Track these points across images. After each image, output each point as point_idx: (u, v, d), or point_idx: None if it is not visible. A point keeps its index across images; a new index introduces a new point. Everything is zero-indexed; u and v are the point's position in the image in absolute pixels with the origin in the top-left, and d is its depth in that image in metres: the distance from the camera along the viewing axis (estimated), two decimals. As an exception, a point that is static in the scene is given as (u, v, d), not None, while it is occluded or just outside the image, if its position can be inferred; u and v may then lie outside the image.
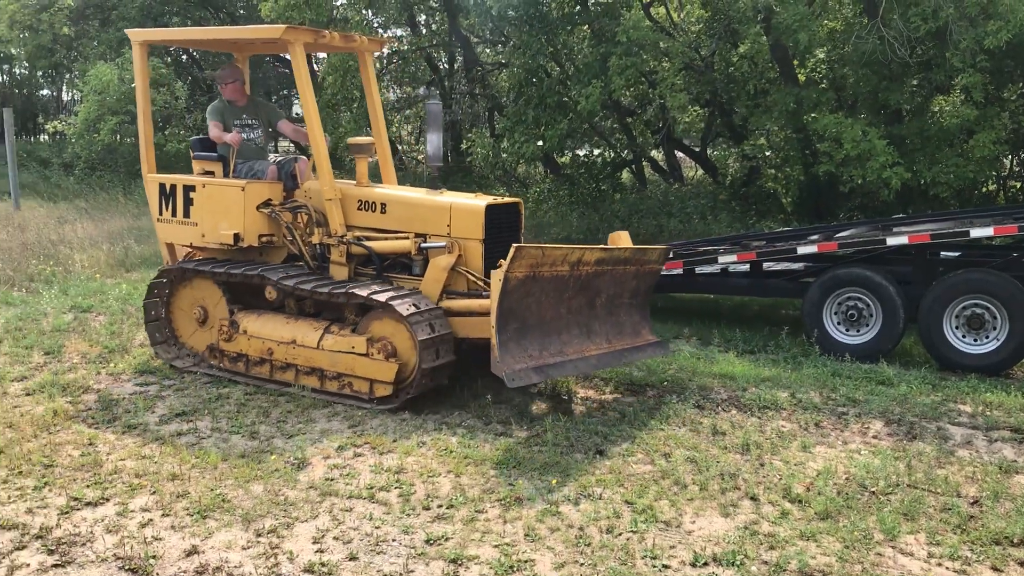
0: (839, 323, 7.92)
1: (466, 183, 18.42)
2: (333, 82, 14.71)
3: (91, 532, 4.29)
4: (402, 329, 6.14)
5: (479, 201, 6.56)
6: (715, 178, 16.97)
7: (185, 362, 7.15)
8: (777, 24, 11.51)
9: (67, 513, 4.49)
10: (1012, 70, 11.71)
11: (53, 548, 4.13)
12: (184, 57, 23.11)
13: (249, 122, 7.59)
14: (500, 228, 6.61)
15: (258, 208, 7.01)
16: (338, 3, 17.24)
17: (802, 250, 8.29)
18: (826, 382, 6.96)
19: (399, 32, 21.12)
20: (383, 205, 6.84)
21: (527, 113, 13.49)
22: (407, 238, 6.68)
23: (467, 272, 6.46)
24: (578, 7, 13.96)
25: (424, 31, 20.16)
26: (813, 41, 11.39)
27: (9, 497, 4.64)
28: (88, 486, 4.80)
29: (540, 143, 13.20)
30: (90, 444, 5.42)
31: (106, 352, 7.48)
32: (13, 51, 21.60)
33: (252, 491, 4.78)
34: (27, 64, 26.44)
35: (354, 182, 7.17)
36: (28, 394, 6.33)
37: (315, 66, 22.85)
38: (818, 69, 14.22)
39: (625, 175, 18.44)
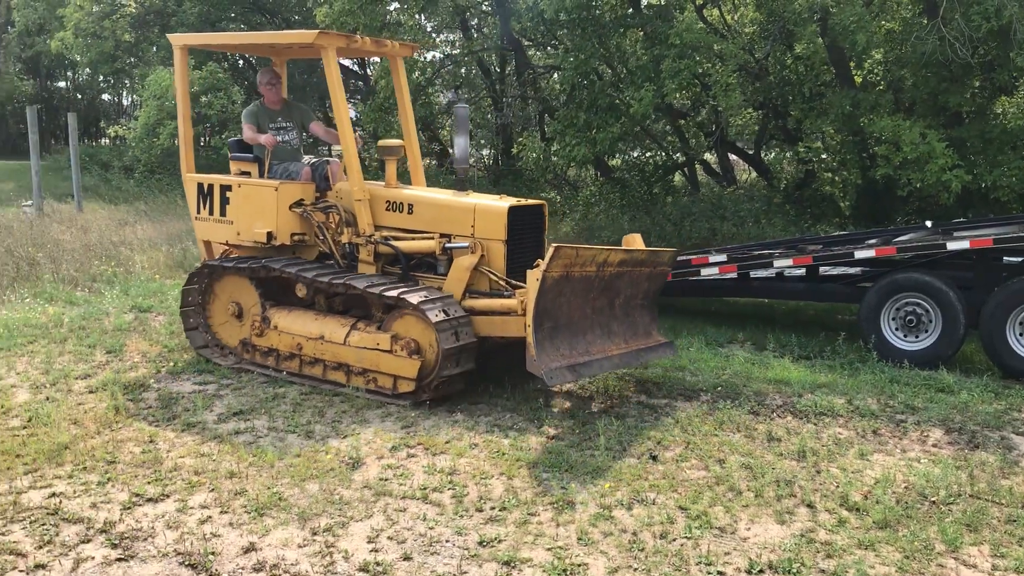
0: (897, 329, 7.78)
1: (516, 187, 18.45)
2: (385, 86, 14.83)
3: (152, 527, 4.39)
4: (426, 329, 6.27)
5: (502, 203, 6.68)
6: (769, 181, 16.76)
7: (215, 353, 7.41)
8: (834, 25, 11.34)
9: (129, 508, 4.59)
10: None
11: (116, 542, 4.23)
12: (241, 63, 23.50)
13: (284, 124, 7.79)
14: (524, 230, 6.74)
15: (291, 208, 7.21)
16: (391, 8, 17.39)
17: (860, 254, 8.16)
18: (884, 389, 6.84)
19: (451, 36, 21.23)
20: (410, 206, 6.99)
21: (578, 116, 13.46)
22: (432, 238, 6.82)
23: (489, 272, 6.58)
24: (631, 10, 13.91)
25: (476, 35, 20.24)
26: (871, 42, 11.21)
27: (75, 492, 4.76)
28: (149, 482, 4.90)
29: (591, 146, 13.17)
30: (151, 441, 5.54)
31: (166, 351, 7.64)
32: (77, 57, 22.12)
33: (308, 490, 4.84)
34: (89, 70, 27.10)
35: (383, 183, 7.32)
36: (91, 392, 6.49)
37: (368, 71, 23.09)
38: (875, 71, 13.99)
39: (677, 178, 18.31)
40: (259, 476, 5.01)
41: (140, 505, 4.64)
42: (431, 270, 6.93)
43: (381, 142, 7.35)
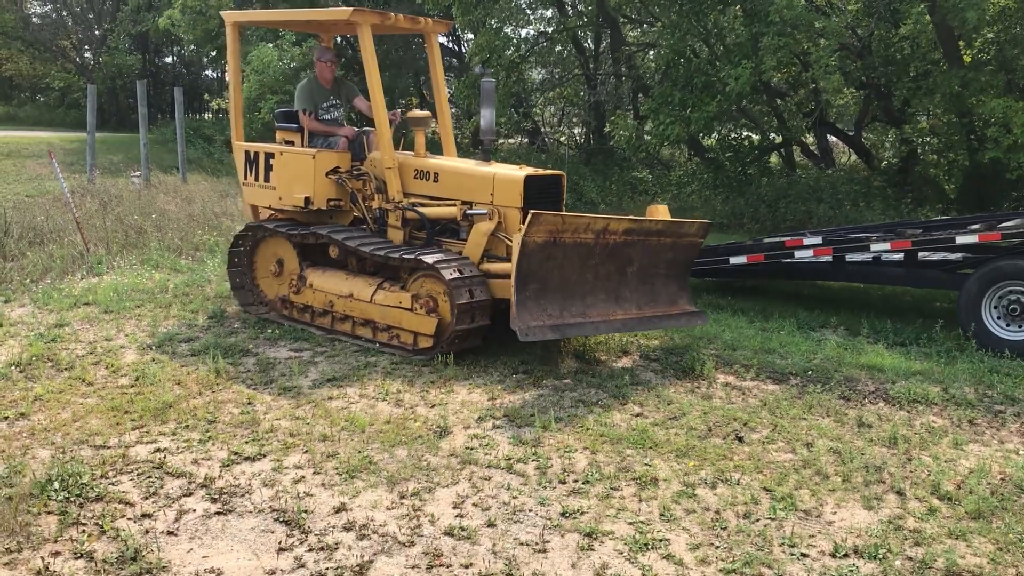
0: (999, 317, 7.52)
1: (607, 166, 18.37)
2: (479, 62, 14.92)
3: (249, 484, 4.58)
4: (442, 287, 6.66)
5: (520, 172, 6.97)
6: (869, 164, 16.30)
7: (259, 310, 7.99)
8: (943, 2, 10.93)
9: (228, 466, 4.80)
10: None
11: (216, 497, 4.43)
12: (339, 39, 23.89)
13: (334, 102, 8.25)
14: (541, 198, 6.97)
15: (327, 175, 7.60)
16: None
17: (962, 240, 7.89)
18: (982, 378, 6.63)
19: (545, 13, 21.18)
20: (436, 174, 7.36)
21: (673, 95, 13.33)
22: (455, 205, 7.16)
23: (506, 238, 6.84)
24: (730, -14, 13.66)
25: (570, 12, 20.14)
26: (982, 20, 10.79)
27: (178, 448, 5.00)
28: (247, 442, 5.11)
29: (685, 125, 13.02)
30: (249, 403, 5.77)
31: (263, 320, 7.91)
32: (183, 35, 22.84)
33: (397, 455, 4.98)
34: (195, 47, 27.93)
35: (413, 153, 7.67)
36: (194, 355, 6.78)
37: (463, 47, 23.20)
38: (987, 50, 13.42)
39: (774, 159, 17.96)
40: (351, 440, 5.18)
41: (238, 463, 4.85)
42: (454, 235, 7.27)
43: (410, 113, 7.64)
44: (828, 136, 17.25)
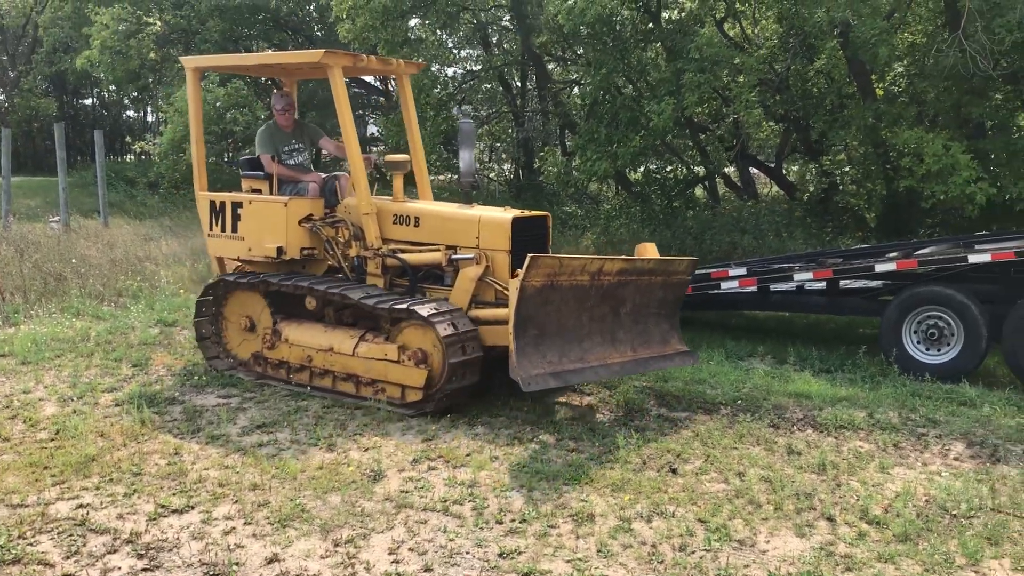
0: (919, 342, 7.75)
1: (538, 201, 18.51)
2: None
3: (177, 538, 4.45)
4: (434, 340, 6.36)
5: (506, 214, 6.80)
6: (791, 194, 16.74)
7: (225, 363, 7.60)
8: (855, 38, 11.35)
9: (155, 519, 4.66)
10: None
11: (142, 553, 4.29)
12: (264, 80, 23.74)
13: (297, 146, 7.98)
14: (527, 240, 6.81)
15: (300, 223, 7.33)
16: (412, 24, 17.56)
17: (880, 268, 8.15)
18: (905, 402, 6.82)
19: (472, 52, 21.39)
20: (417, 219, 7.12)
21: (599, 131, 13.53)
22: (439, 250, 6.93)
23: (495, 282, 6.68)
24: (651, 24, 13.97)
25: (496, 51, 20.38)
26: (892, 55, 11.21)
27: (101, 503, 4.84)
28: (174, 494, 4.97)
29: (612, 160, 13.21)
30: (176, 454, 5.61)
31: (190, 365, 7.73)
32: (102, 75, 22.44)
33: (330, 501, 4.89)
34: (115, 88, 27.47)
35: (390, 198, 7.45)
36: (118, 405, 6.58)
37: (390, 86, 23.26)
38: (898, 83, 13.96)
39: (698, 192, 18.31)
40: (282, 488, 5.07)
41: (165, 516, 4.71)
42: (438, 281, 7.06)
43: (388, 157, 7.50)
44: (750, 168, 17.68)
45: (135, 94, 26.95)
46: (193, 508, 4.80)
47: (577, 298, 6.21)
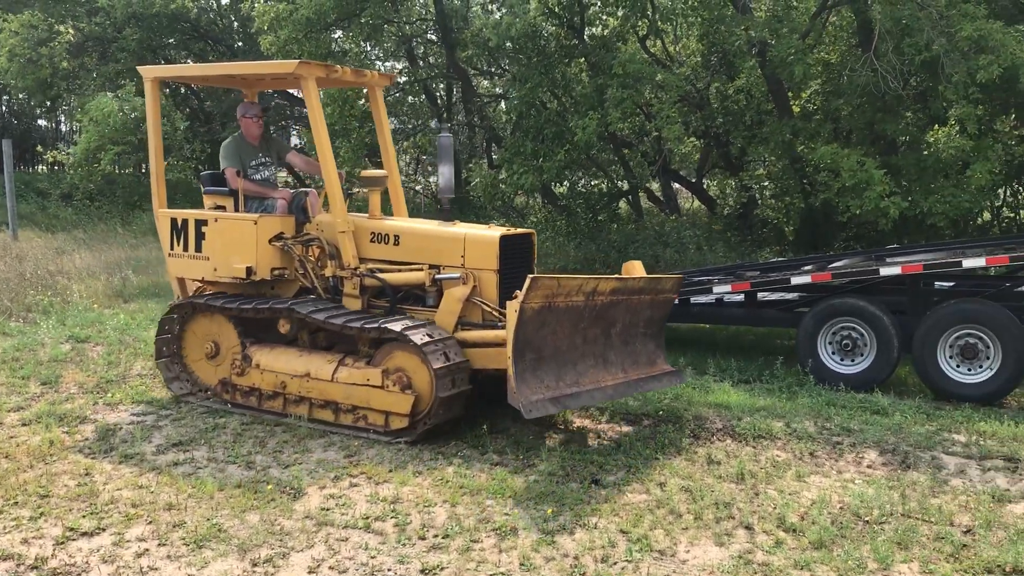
0: (834, 353, 7.95)
1: (464, 213, 18.50)
2: (331, 112, 14.82)
3: (87, 562, 4.30)
4: (421, 367, 6.12)
5: (493, 232, 6.60)
6: (711, 209, 17.08)
7: (198, 397, 7.12)
8: (772, 57, 11.66)
9: (63, 543, 4.49)
10: (1004, 102, 11.85)
11: (48, 578, 4.13)
12: (183, 89, 23.27)
13: (264, 160, 7.57)
14: (513, 258, 6.61)
15: (270, 241, 6.97)
16: (336, 36, 17.42)
17: (796, 280, 8.35)
18: (821, 412, 6.98)
19: (398, 65, 21.32)
20: (396, 237, 6.83)
21: (525, 144, 13.61)
22: (421, 270, 6.66)
23: (482, 303, 6.44)
24: (575, 40, 14.13)
25: (422, 64, 20.35)
26: (807, 74, 11.54)
27: (4, 528, 4.64)
28: (84, 516, 4.80)
29: (538, 174, 13.29)
30: (86, 474, 5.43)
31: (103, 382, 7.50)
32: (11, 83, 21.64)
33: (248, 521, 4.78)
34: (25, 96, 26.56)
35: (366, 215, 7.19)
36: (24, 424, 6.34)
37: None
38: (813, 101, 14.38)
39: (622, 206, 18.54)
40: (198, 508, 4.94)
41: (74, 540, 4.54)
42: (419, 302, 6.76)
43: (364, 173, 7.21)
44: (672, 183, 17.98)
45: (48, 103, 26.07)
46: (104, 530, 4.65)
47: (572, 319, 6.03)
